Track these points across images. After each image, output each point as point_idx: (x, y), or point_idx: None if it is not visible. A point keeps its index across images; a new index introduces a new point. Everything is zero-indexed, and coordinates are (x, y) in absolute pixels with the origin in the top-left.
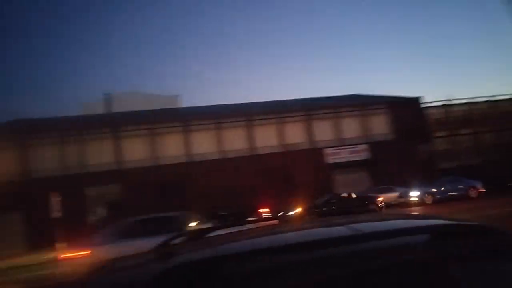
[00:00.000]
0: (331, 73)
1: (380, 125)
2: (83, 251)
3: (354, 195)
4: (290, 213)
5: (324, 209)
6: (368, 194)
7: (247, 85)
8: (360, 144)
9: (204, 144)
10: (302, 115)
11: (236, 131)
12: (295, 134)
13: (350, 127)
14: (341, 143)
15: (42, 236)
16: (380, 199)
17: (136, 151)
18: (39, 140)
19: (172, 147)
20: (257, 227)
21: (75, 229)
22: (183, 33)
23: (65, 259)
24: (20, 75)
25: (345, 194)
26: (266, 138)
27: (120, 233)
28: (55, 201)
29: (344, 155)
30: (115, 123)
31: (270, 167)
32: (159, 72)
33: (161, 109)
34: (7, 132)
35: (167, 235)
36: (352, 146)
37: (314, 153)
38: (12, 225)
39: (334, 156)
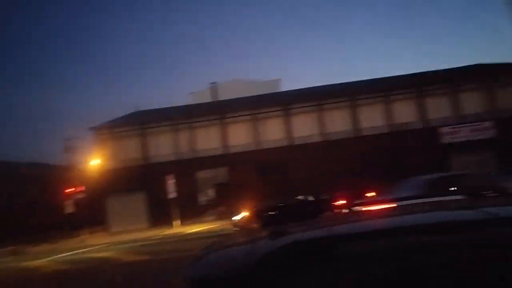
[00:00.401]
0: (449, 43)
1: (508, 99)
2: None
3: (311, 198)
4: (236, 218)
5: (271, 213)
6: (324, 197)
7: (351, 63)
8: (484, 121)
9: (305, 127)
10: (413, 92)
11: (339, 112)
12: (404, 112)
13: (472, 102)
14: (461, 120)
15: (161, 214)
16: (341, 202)
17: (240, 136)
18: (156, 129)
19: (274, 131)
20: (372, 210)
21: (188, 208)
22: (281, 17)
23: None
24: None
25: (300, 197)
26: (372, 118)
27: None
28: (171, 183)
29: (464, 134)
30: (221, 110)
31: (377, 149)
32: (261, 58)
33: (262, 95)
34: (130, 123)
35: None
36: (474, 124)
37: (427, 133)
38: (138, 204)
39: (451, 135)
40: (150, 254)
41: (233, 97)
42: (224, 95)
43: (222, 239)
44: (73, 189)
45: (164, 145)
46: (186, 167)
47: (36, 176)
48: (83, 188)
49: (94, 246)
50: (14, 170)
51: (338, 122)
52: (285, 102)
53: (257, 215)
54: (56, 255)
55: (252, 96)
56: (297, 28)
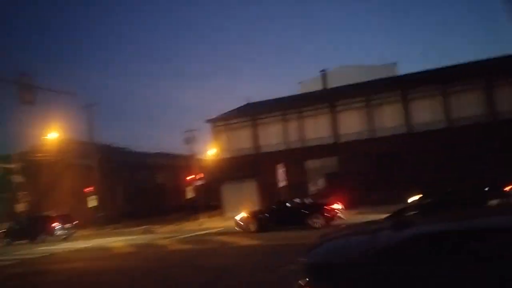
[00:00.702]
0: None
1: None
2: None
3: (308, 201)
4: (237, 217)
5: (266, 215)
6: (320, 201)
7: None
8: None
9: (427, 112)
10: None
11: (469, 94)
12: None
13: None
14: None
15: (272, 201)
16: (336, 206)
17: (352, 124)
18: (266, 119)
19: (389, 118)
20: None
21: (298, 197)
22: None
23: None
24: (250, 64)
25: (297, 200)
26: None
27: None
28: (281, 172)
29: None
30: (331, 98)
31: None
32: (374, 42)
33: (377, 79)
34: (242, 115)
35: None
36: None
37: None
38: (250, 191)
39: None
40: (263, 239)
41: (344, 84)
42: (334, 82)
43: (336, 228)
44: (193, 176)
45: (274, 135)
46: (296, 157)
47: (161, 164)
48: (201, 175)
49: (212, 229)
50: (143, 159)
51: (467, 106)
52: (403, 86)
53: (253, 216)
54: (180, 235)
55: (365, 82)
56: (409, 8)
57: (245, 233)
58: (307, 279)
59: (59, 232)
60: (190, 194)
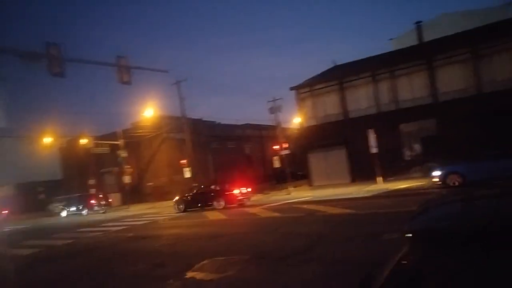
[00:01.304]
0: None
1: None
2: None
3: (215, 188)
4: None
5: (188, 197)
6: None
7: None
8: None
9: None
10: None
11: None
12: None
13: None
14: None
15: (362, 169)
16: (237, 191)
17: (453, 80)
18: (354, 82)
19: (502, 69)
20: None
21: (391, 164)
22: None
23: None
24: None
25: (213, 187)
26: None
27: None
28: (372, 137)
29: None
30: (428, 53)
31: None
32: None
33: (485, 25)
34: (328, 79)
35: None
36: None
37: None
38: (338, 159)
39: None
40: (354, 208)
41: (443, 35)
42: (432, 35)
43: (435, 196)
44: (279, 146)
45: (364, 98)
46: (388, 120)
47: (249, 135)
48: (287, 145)
49: (299, 198)
50: (231, 131)
51: None
52: None
53: (182, 197)
54: (269, 204)
55: (469, 30)
56: None
57: (331, 201)
58: (412, 247)
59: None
60: (277, 164)
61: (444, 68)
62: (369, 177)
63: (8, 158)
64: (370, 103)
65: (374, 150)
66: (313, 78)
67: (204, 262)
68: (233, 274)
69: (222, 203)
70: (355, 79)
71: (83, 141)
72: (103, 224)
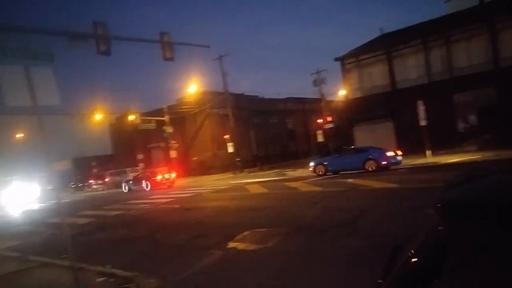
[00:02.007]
0: None
1: None
2: None
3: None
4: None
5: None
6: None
7: None
8: None
9: None
10: None
11: None
12: None
13: None
14: None
15: (411, 142)
16: (159, 176)
17: None
18: (403, 51)
19: None
20: None
21: (443, 137)
22: None
23: None
24: None
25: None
26: None
27: None
28: (422, 109)
29: None
30: (489, 14)
31: None
32: None
33: None
34: (375, 49)
35: None
36: None
37: None
38: (385, 132)
39: None
40: (399, 182)
41: None
42: None
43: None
44: (322, 119)
45: (414, 68)
46: (441, 90)
47: (291, 109)
48: (331, 118)
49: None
50: (274, 105)
51: None
52: None
53: (130, 179)
54: (310, 178)
55: None
56: None
57: (379, 175)
58: (442, 219)
59: None
60: (320, 137)
61: (507, 30)
62: (418, 151)
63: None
64: (420, 73)
65: (423, 122)
66: (359, 48)
67: (245, 233)
68: (273, 245)
69: None
70: (404, 48)
71: (131, 117)
72: (151, 197)
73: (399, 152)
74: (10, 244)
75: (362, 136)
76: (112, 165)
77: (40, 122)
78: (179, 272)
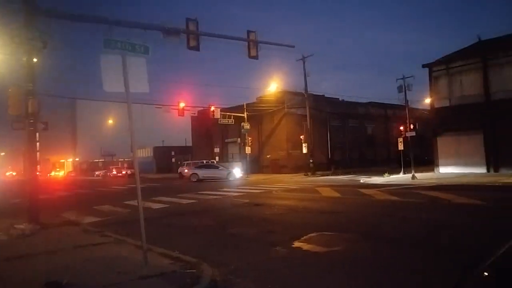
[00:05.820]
0: None
1: None
2: None
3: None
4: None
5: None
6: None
7: None
8: None
9: None
10: None
11: None
12: None
13: None
14: None
15: (504, 158)
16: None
17: None
18: (502, 59)
19: None
20: None
21: None
22: None
23: None
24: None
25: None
26: None
27: None
28: None
29: None
30: None
31: None
32: None
33: None
34: (469, 56)
35: None
36: None
37: None
38: (473, 145)
39: None
40: (484, 199)
41: None
42: None
43: None
44: (404, 127)
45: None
46: None
47: (372, 114)
48: (413, 126)
49: (421, 184)
50: (354, 109)
51: None
52: None
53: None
54: (386, 187)
55: None
56: None
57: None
58: None
59: None
60: (401, 146)
61: None
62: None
63: (148, 123)
64: None
65: None
66: (451, 54)
67: (312, 234)
68: (339, 250)
69: None
70: (504, 56)
71: (214, 111)
72: (223, 189)
73: None
74: (91, 220)
75: (446, 147)
76: (190, 156)
77: (129, 108)
78: (242, 265)
